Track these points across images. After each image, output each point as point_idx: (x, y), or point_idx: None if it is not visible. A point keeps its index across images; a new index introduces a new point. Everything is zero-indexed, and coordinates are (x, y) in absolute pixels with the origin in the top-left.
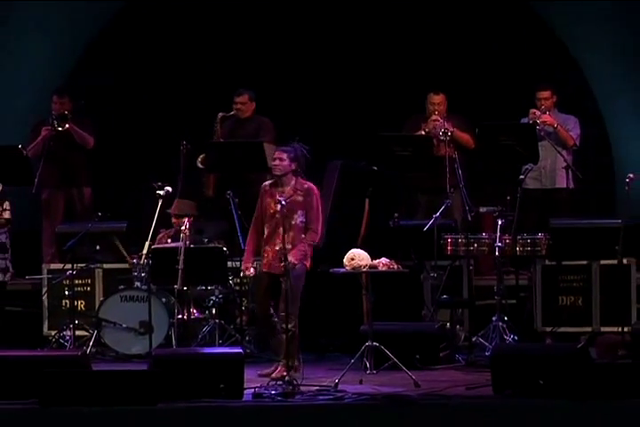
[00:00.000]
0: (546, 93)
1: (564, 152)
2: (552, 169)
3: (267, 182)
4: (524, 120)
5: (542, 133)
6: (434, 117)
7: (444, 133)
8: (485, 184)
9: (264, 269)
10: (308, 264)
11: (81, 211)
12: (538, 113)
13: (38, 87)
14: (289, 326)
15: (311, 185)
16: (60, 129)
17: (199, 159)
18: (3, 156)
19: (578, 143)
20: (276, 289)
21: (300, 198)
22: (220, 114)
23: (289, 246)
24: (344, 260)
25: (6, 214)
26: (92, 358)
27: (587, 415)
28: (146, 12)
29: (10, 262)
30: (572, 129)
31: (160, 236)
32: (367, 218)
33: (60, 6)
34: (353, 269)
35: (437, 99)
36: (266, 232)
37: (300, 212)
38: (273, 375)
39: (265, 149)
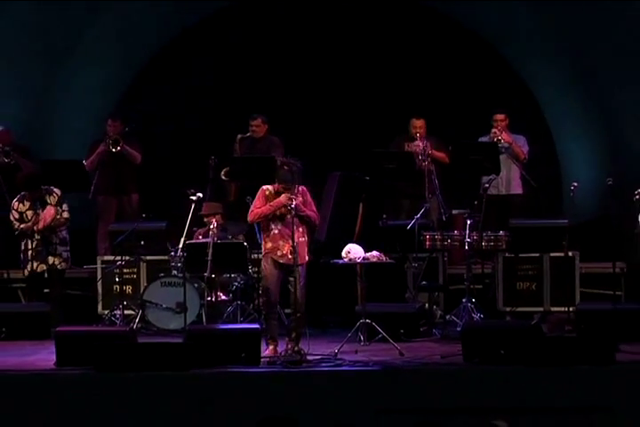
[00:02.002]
0: (501, 116)
1: (517, 164)
2: (507, 178)
3: (268, 187)
4: (483, 138)
5: (503, 150)
6: (416, 143)
7: (424, 154)
8: (456, 191)
9: (280, 262)
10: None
11: (129, 213)
12: (498, 132)
13: (94, 112)
14: (300, 310)
15: (303, 187)
16: (113, 150)
17: (223, 172)
18: (67, 168)
19: (527, 157)
20: (286, 279)
21: (301, 199)
22: (239, 135)
23: (302, 239)
24: (342, 253)
25: (65, 214)
26: (137, 333)
27: (539, 379)
28: (179, 53)
29: (69, 254)
30: (522, 146)
31: (195, 234)
32: (361, 219)
33: (112, 45)
34: (350, 260)
35: (418, 123)
36: (277, 230)
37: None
38: (267, 353)
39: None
